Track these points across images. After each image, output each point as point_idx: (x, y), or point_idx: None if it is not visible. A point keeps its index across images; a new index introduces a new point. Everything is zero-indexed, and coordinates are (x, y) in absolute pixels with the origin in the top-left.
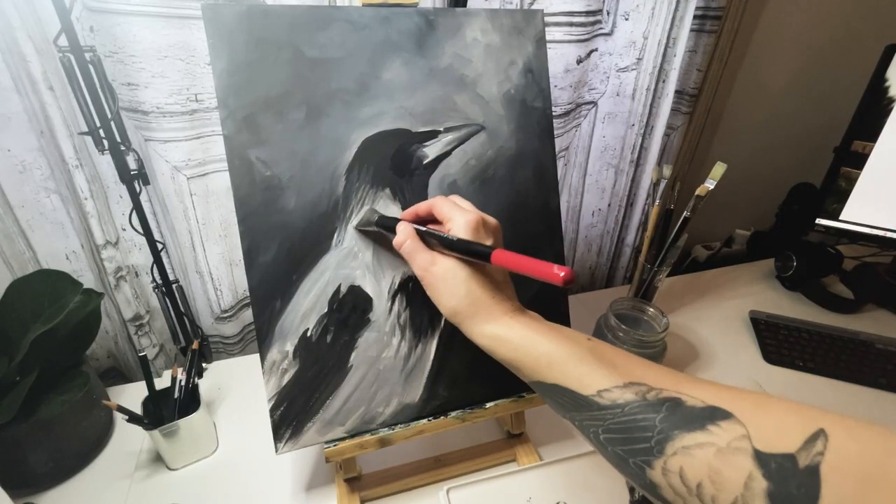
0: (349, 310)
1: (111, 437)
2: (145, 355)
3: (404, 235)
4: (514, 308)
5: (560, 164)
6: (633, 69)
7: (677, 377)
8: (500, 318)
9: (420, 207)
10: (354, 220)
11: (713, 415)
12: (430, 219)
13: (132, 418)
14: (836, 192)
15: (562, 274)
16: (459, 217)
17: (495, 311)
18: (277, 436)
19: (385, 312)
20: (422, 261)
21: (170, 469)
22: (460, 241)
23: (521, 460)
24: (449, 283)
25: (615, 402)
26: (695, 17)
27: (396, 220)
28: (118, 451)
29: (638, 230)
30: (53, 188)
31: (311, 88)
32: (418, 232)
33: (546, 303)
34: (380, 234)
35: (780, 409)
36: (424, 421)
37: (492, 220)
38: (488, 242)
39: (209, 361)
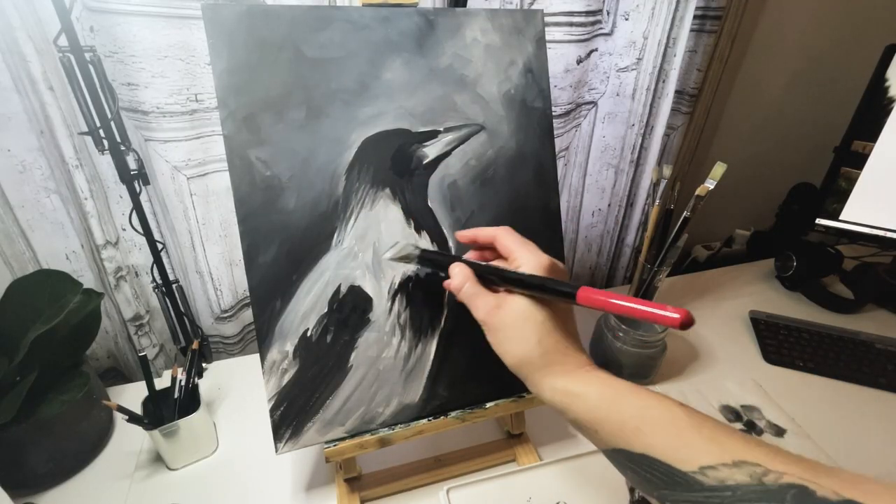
0: (349, 310)
1: (111, 437)
2: (145, 355)
3: (462, 278)
4: (587, 361)
5: (560, 164)
6: (633, 69)
7: (795, 458)
8: (576, 372)
9: (480, 234)
10: (388, 253)
11: None
12: (485, 247)
13: (132, 418)
14: (836, 192)
15: (677, 316)
16: (531, 258)
17: (568, 363)
18: (277, 436)
19: (385, 312)
20: (485, 304)
21: (170, 469)
22: (541, 278)
23: (520, 460)
24: (519, 329)
25: (723, 483)
26: (695, 17)
27: (447, 257)
28: (118, 451)
29: (638, 230)
30: (53, 188)
31: (311, 88)
32: (477, 267)
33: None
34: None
35: None
36: (424, 421)
37: (561, 264)
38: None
39: (209, 361)
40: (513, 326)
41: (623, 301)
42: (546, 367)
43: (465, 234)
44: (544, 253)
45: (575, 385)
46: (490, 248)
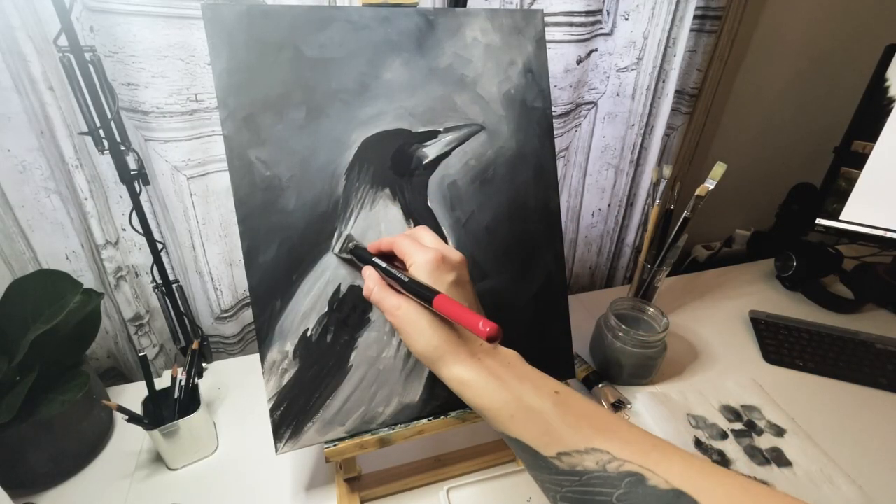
0: (349, 309)
1: (111, 437)
2: (145, 355)
3: (372, 282)
4: (484, 350)
5: (560, 164)
6: (633, 69)
7: (648, 444)
8: (467, 360)
9: (382, 244)
10: (337, 247)
11: (676, 500)
12: (395, 255)
13: (132, 418)
14: (836, 192)
15: (487, 329)
16: (419, 256)
17: (462, 351)
18: (277, 436)
19: None
20: (389, 305)
21: (170, 469)
22: (409, 282)
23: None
24: (415, 326)
25: (573, 469)
26: (695, 17)
27: (369, 255)
28: (118, 451)
29: (638, 230)
30: (53, 188)
31: (311, 88)
32: (383, 270)
33: (545, 303)
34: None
35: (754, 495)
36: (424, 421)
37: (454, 255)
38: (449, 278)
39: (209, 361)
40: (409, 324)
41: (451, 308)
42: (442, 359)
43: (371, 246)
44: (438, 247)
45: (465, 372)
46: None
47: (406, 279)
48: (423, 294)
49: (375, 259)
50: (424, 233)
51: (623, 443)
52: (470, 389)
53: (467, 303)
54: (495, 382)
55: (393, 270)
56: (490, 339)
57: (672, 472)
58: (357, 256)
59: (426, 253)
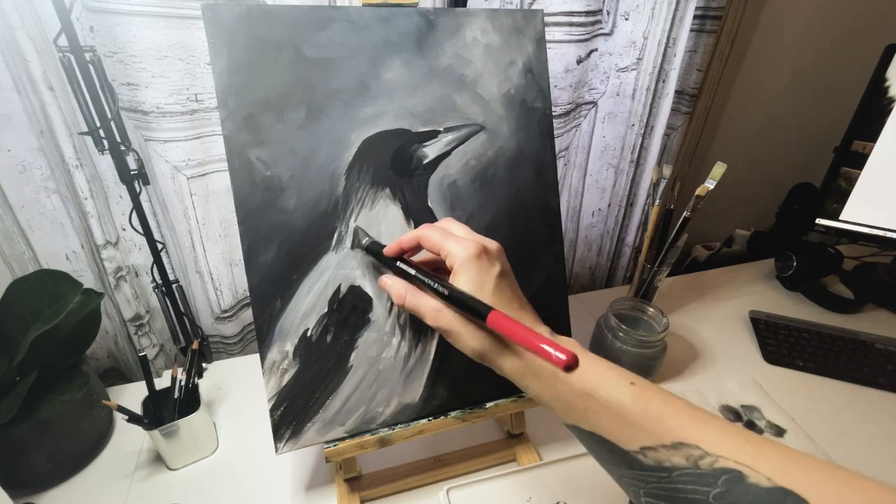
0: (349, 309)
1: (111, 437)
2: (145, 355)
3: (401, 288)
4: (543, 334)
5: (560, 164)
6: (633, 69)
7: (740, 438)
8: (522, 357)
9: (405, 241)
10: (348, 242)
11: (783, 500)
12: (417, 251)
13: (132, 418)
14: (836, 192)
15: (563, 357)
16: (458, 249)
17: (516, 347)
18: (277, 436)
19: (385, 312)
20: (429, 310)
21: (170, 469)
22: (452, 295)
23: (520, 460)
24: (465, 327)
25: (660, 464)
26: (695, 17)
27: (391, 260)
28: (118, 451)
29: (638, 230)
30: (53, 188)
31: (311, 88)
32: (408, 276)
33: (545, 302)
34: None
35: (864, 491)
36: (424, 421)
37: (492, 244)
38: (495, 270)
39: (209, 361)
40: (458, 325)
41: (523, 333)
42: (501, 354)
43: (391, 247)
44: (475, 237)
45: (530, 362)
46: (426, 252)
47: (447, 291)
48: (473, 309)
49: (401, 264)
50: (452, 224)
51: (713, 436)
52: (537, 381)
53: (514, 294)
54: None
55: (429, 281)
56: (567, 369)
57: (773, 468)
58: (372, 254)
59: (466, 246)
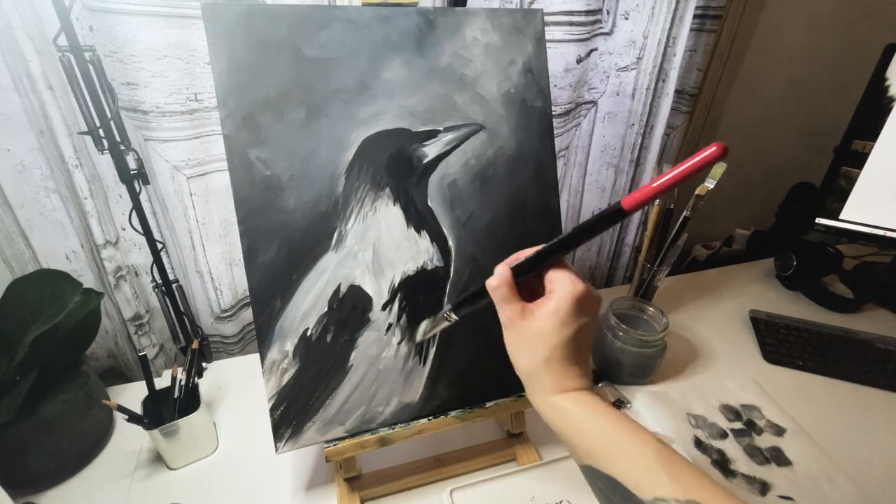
0: (349, 309)
1: (111, 436)
2: (145, 355)
3: (500, 279)
4: (586, 385)
5: (560, 163)
6: (632, 69)
7: None
8: (570, 392)
9: (522, 254)
10: (420, 333)
11: None
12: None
13: (132, 418)
14: (836, 191)
15: (714, 148)
16: (569, 282)
17: (567, 383)
18: (277, 435)
19: (385, 312)
20: (512, 310)
21: (170, 469)
22: (585, 223)
23: (521, 459)
24: (532, 344)
25: None
26: (694, 16)
27: (484, 290)
28: (118, 451)
29: (638, 230)
30: (53, 188)
31: (310, 88)
32: (518, 268)
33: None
34: None
35: None
36: (424, 420)
37: (596, 292)
38: (586, 319)
39: (209, 361)
40: (528, 339)
41: (664, 176)
42: (545, 382)
43: (507, 261)
44: (588, 283)
45: (565, 402)
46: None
47: (571, 231)
48: (604, 219)
49: (506, 266)
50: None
51: (723, 499)
52: (567, 418)
53: (586, 344)
54: (596, 417)
55: (550, 247)
56: (725, 152)
57: None
58: (466, 304)
59: (575, 282)
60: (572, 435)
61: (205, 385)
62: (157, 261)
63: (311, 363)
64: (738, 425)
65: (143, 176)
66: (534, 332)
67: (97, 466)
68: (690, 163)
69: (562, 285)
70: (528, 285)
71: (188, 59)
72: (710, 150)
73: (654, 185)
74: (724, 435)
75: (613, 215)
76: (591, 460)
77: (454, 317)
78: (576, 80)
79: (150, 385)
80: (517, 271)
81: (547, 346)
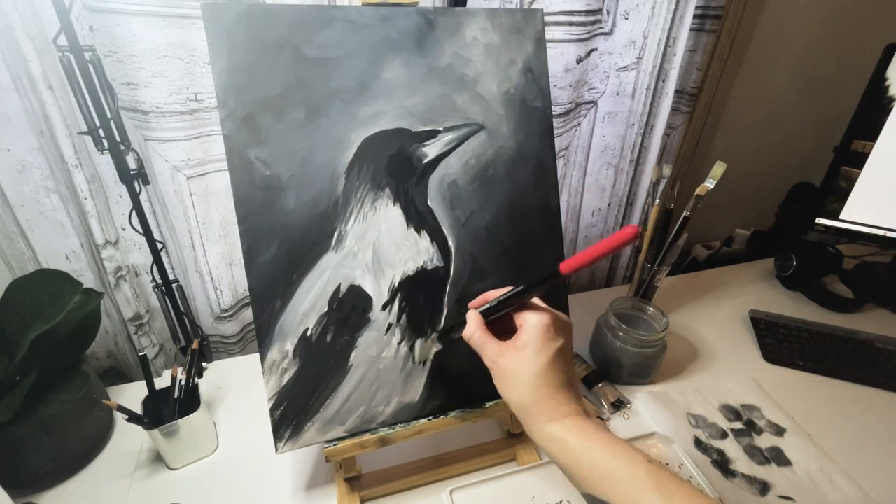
0: (349, 309)
1: (111, 436)
2: (145, 355)
3: (473, 326)
4: (577, 411)
5: (560, 163)
6: (632, 68)
7: None
8: (562, 420)
9: (490, 295)
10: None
11: None
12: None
13: (132, 418)
14: (836, 191)
15: (630, 230)
16: (532, 315)
17: (558, 410)
18: (277, 435)
19: (385, 312)
20: (490, 352)
21: (170, 469)
22: (528, 283)
23: (520, 459)
24: (517, 379)
25: None
26: (695, 16)
27: (460, 323)
28: (118, 451)
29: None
30: (53, 188)
31: (310, 88)
32: (486, 312)
33: (546, 302)
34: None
35: None
36: (424, 420)
37: (565, 318)
38: (558, 342)
39: (209, 361)
40: (512, 376)
41: (590, 250)
42: (538, 414)
43: (475, 302)
44: (552, 310)
45: (558, 431)
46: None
47: (520, 288)
48: (543, 280)
49: (476, 311)
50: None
51: None
52: (561, 447)
53: (567, 368)
54: (588, 443)
55: (509, 297)
56: (631, 239)
57: None
58: (457, 326)
59: (541, 313)
60: (567, 463)
61: (205, 385)
62: (157, 261)
63: (311, 363)
64: (738, 425)
65: (143, 176)
66: (513, 368)
67: (97, 466)
68: (610, 243)
69: (529, 318)
70: (506, 322)
71: (188, 59)
72: (626, 233)
73: (586, 257)
74: (724, 435)
75: (553, 276)
76: (587, 487)
77: (440, 344)
78: (576, 80)
79: (150, 385)
80: (487, 314)
81: (528, 378)
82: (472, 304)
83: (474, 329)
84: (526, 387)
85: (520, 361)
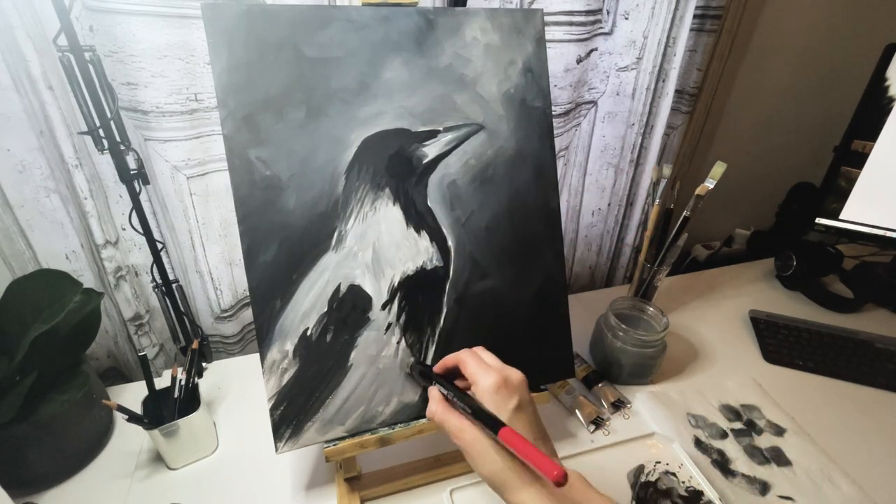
0: (349, 309)
1: (111, 436)
2: (145, 355)
3: (435, 403)
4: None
5: (560, 163)
6: (632, 68)
7: None
8: (532, 485)
9: (448, 361)
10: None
11: None
12: (459, 372)
13: (132, 418)
14: (836, 191)
15: (555, 473)
16: (482, 379)
17: (527, 477)
18: (277, 435)
19: (385, 311)
20: (452, 428)
21: (170, 469)
22: (475, 411)
23: None
24: (481, 450)
25: None
26: (695, 16)
27: (434, 375)
28: (118, 451)
29: (638, 230)
30: (53, 188)
31: (310, 88)
32: (449, 392)
33: (545, 303)
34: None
35: None
36: (424, 420)
37: (515, 376)
38: (511, 403)
39: (209, 361)
40: (474, 448)
41: (520, 444)
42: (508, 483)
43: (438, 364)
44: (500, 369)
45: (530, 499)
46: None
47: (471, 408)
48: (489, 423)
49: (439, 380)
50: (484, 353)
51: None
52: None
53: (530, 425)
54: None
55: (457, 399)
56: (557, 484)
57: None
58: (422, 376)
59: (489, 376)
60: None
61: (205, 385)
62: (157, 261)
63: (311, 363)
64: (738, 425)
65: (143, 176)
66: (475, 439)
67: (97, 466)
68: (538, 456)
69: (478, 385)
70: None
71: (188, 59)
72: (551, 474)
73: (524, 448)
74: (724, 435)
75: (494, 425)
76: None
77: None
78: (576, 80)
79: (150, 385)
80: (444, 384)
81: (492, 450)
82: (436, 367)
83: (435, 407)
84: (492, 456)
85: (478, 433)
